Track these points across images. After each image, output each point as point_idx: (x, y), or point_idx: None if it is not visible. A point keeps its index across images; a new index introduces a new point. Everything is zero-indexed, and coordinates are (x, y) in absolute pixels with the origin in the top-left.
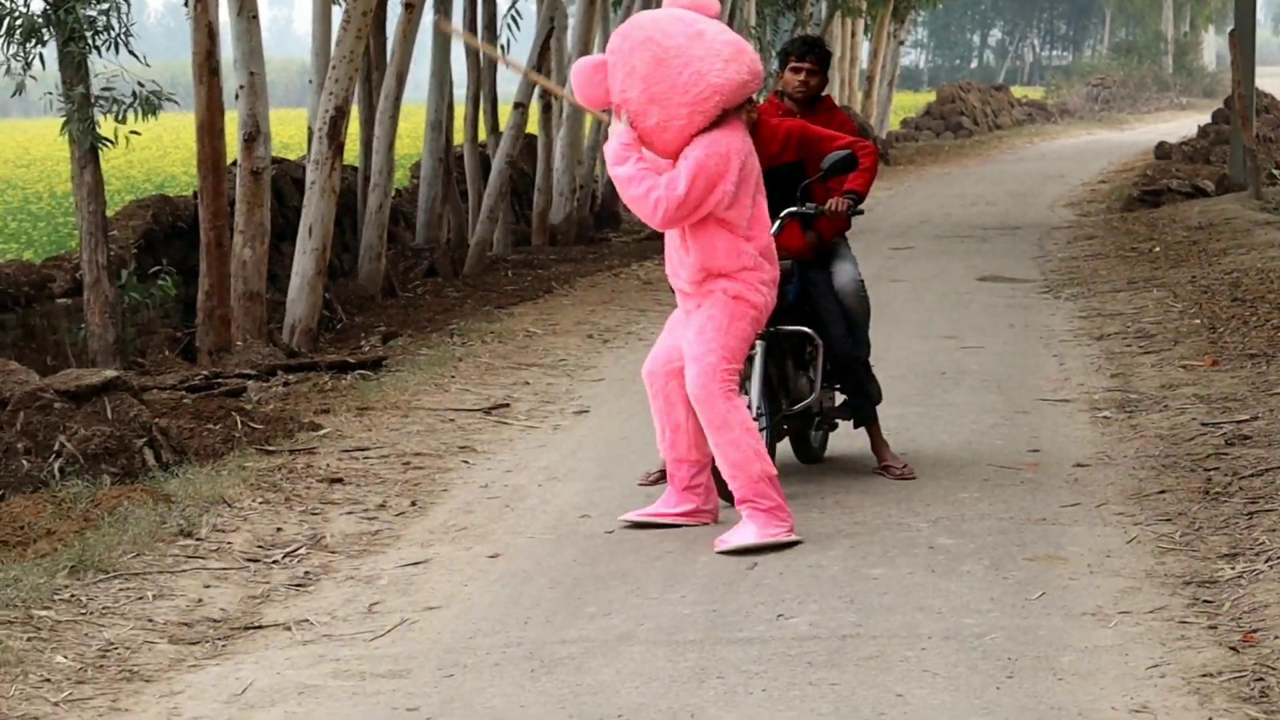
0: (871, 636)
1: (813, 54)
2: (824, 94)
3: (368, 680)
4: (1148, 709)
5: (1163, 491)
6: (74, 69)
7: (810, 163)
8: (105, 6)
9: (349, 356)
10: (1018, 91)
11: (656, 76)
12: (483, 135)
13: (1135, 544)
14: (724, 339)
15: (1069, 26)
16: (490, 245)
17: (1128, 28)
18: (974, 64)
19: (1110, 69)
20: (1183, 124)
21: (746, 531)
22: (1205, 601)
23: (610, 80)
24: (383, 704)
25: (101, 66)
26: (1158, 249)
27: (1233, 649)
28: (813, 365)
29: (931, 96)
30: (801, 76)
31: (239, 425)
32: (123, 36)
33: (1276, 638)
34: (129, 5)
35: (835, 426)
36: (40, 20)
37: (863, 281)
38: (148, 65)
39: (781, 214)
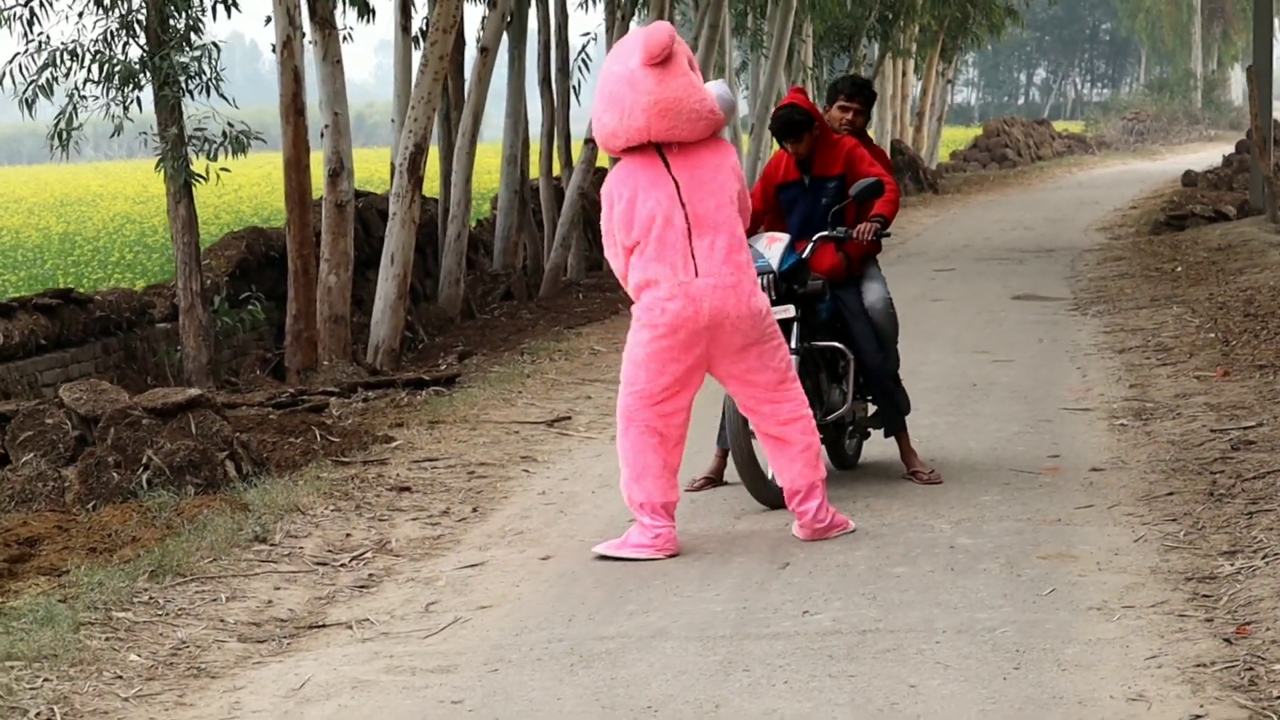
0: (890, 631)
1: (861, 95)
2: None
3: (418, 675)
4: (1143, 697)
5: (1171, 493)
6: (168, 111)
7: (850, 179)
8: (197, 54)
9: (424, 374)
10: (1060, 125)
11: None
12: (557, 169)
13: (1142, 543)
14: (624, 371)
15: (1108, 65)
16: (565, 270)
17: (1161, 66)
18: (1021, 100)
19: (1144, 104)
20: (1210, 154)
21: (617, 541)
22: (1204, 596)
23: None
24: (430, 698)
25: (193, 109)
26: (1179, 269)
27: (1226, 641)
28: (845, 378)
29: (981, 131)
30: (849, 115)
31: (318, 439)
32: (213, 81)
33: (1268, 629)
34: (219, 51)
35: (868, 435)
36: (137, 66)
37: (890, 300)
38: (236, 107)
39: (814, 238)
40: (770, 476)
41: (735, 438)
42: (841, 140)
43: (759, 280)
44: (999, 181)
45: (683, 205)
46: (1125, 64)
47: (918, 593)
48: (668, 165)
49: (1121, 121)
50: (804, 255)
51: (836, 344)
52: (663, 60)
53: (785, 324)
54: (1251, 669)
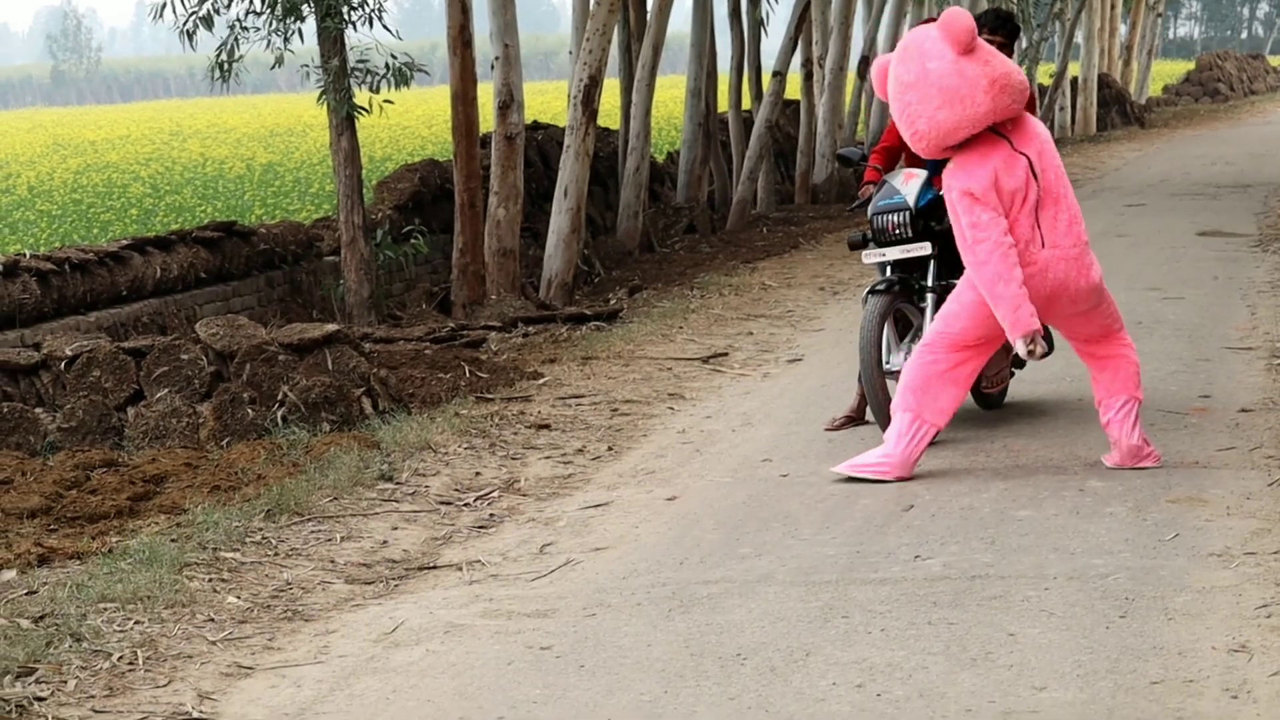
0: (1000, 577)
1: (1005, 29)
2: None
3: (513, 619)
4: (1246, 649)
5: None
6: (330, 43)
7: None
8: None
9: (586, 309)
10: (1277, 60)
11: (893, 105)
12: (746, 102)
13: (1277, 487)
14: (948, 307)
15: None
16: (753, 204)
17: None
18: (1244, 35)
19: None
20: None
21: (857, 460)
22: None
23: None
24: (520, 643)
25: (355, 40)
26: None
27: None
28: None
29: (1194, 65)
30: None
31: (466, 374)
32: (376, 12)
33: None
34: None
35: (1012, 374)
36: None
37: None
38: (399, 39)
39: None
40: None
41: (870, 379)
42: None
43: (896, 215)
44: (1208, 116)
45: (1035, 178)
46: None
47: (1037, 537)
48: (1011, 143)
49: None
50: (941, 192)
51: None
52: (973, 45)
53: (921, 261)
54: None
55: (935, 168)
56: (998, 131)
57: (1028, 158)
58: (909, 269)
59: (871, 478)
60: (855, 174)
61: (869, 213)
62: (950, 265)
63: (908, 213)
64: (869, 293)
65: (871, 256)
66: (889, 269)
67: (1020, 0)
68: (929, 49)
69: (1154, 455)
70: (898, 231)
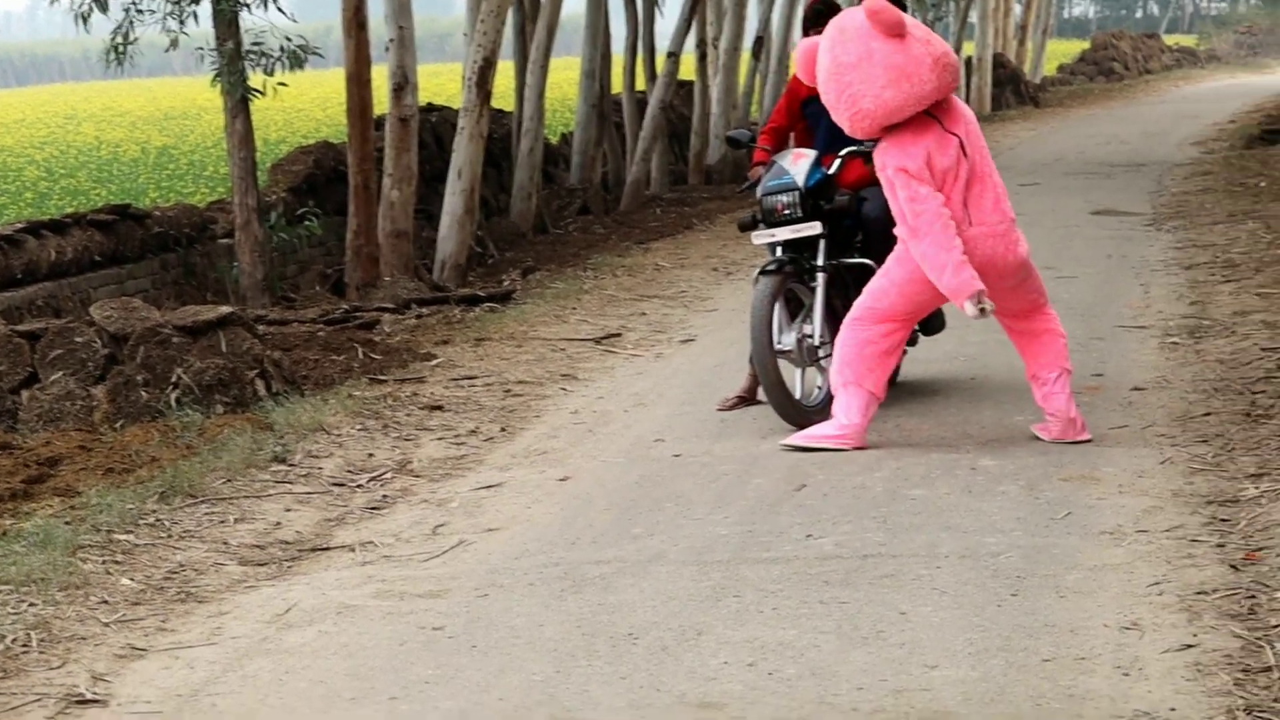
0: (892, 556)
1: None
2: None
3: (405, 600)
4: (1137, 626)
5: (1208, 414)
6: (225, 25)
7: None
8: None
9: (480, 290)
10: (1173, 39)
11: (828, 85)
12: (641, 83)
13: (1168, 464)
14: (877, 283)
15: None
16: (646, 185)
17: None
18: (1139, 14)
19: (1259, 18)
20: None
21: (811, 431)
22: (1222, 520)
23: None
24: (412, 623)
25: (250, 23)
26: (1263, 184)
27: (1233, 567)
28: None
29: (1088, 44)
30: None
31: (359, 356)
32: None
33: (1279, 555)
34: None
35: (905, 353)
36: None
37: None
38: (294, 21)
39: (842, 153)
40: (798, 396)
41: (761, 359)
42: None
43: (785, 196)
44: (1103, 95)
45: (965, 157)
46: None
47: (929, 516)
48: (941, 124)
49: (1234, 35)
50: (830, 171)
51: (866, 261)
52: (904, 31)
53: (812, 241)
54: (1253, 597)
55: (824, 148)
56: (928, 113)
57: (958, 137)
58: (799, 249)
59: (831, 448)
60: (747, 154)
61: (758, 194)
62: (840, 244)
63: (797, 193)
64: (760, 273)
65: (761, 237)
66: (779, 249)
67: None
68: (862, 34)
69: (1086, 429)
70: (787, 212)
